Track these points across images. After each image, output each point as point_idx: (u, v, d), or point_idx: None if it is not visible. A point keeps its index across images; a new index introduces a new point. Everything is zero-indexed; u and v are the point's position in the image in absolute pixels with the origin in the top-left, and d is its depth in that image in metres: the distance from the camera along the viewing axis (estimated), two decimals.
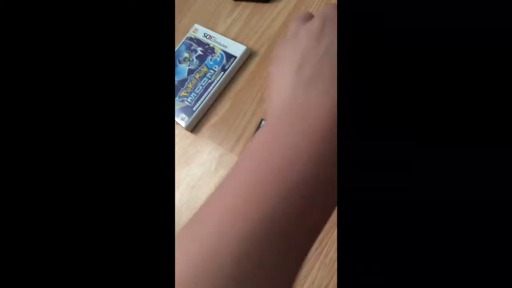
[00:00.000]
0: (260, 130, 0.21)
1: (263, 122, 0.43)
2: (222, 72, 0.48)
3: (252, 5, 0.52)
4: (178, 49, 0.54)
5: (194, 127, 0.48)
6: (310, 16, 0.29)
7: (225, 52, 0.49)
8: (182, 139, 0.48)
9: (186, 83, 0.50)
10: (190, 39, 0.53)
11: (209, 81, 0.48)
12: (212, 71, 0.49)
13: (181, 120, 0.48)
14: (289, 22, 0.48)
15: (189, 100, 0.49)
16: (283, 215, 0.17)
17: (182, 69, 0.52)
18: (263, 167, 0.18)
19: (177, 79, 0.51)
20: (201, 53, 0.51)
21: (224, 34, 0.51)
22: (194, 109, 0.48)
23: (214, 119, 0.47)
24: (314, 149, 0.19)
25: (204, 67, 0.50)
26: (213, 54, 0.50)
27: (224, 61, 0.48)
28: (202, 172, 0.45)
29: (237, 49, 0.48)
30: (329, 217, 0.19)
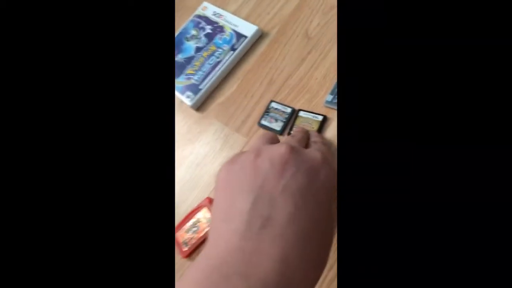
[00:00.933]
0: (201, 263, 0.20)
1: (272, 103, 0.42)
2: (232, 52, 0.47)
3: None
4: (185, 27, 0.53)
5: (200, 106, 0.47)
6: (275, 139, 0.28)
7: (235, 31, 0.48)
8: (187, 117, 0.47)
9: (193, 60, 0.49)
10: (199, 16, 0.52)
11: (217, 60, 0.47)
12: (220, 50, 0.48)
13: (186, 98, 0.47)
14: (301, 7, 0.47)
15: (195, 78, 0.47)
16: None
17: (188, 47, 0.50)
18: None
19: (183, 56, 0.50)
20: (210, 31, 0.50)
21: (234, 14, 0.50)
22: (200, 87, 0.47)
23: (220, 98, 0.46)
24: None
25: (213, 46, 0.49)
26: (223, 33, 0.49)
27: (234, 40, 0.47)
28: (207, 151, 0.44)
29: (248, 29, 0.47)
30: None
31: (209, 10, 0.52)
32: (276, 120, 0.40)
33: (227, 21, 0.49)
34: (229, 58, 0.47)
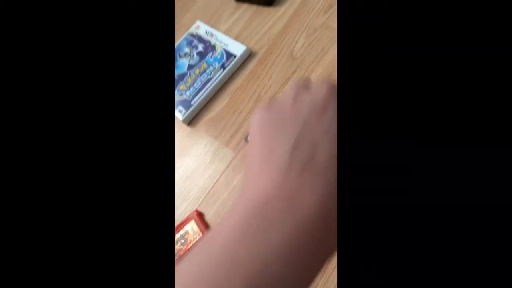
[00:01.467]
0: (243, 204, 0.19)
1: None
2: (222, 70, 0.49)
3: (254, 7, 0.54)
4: (179, 44, 0.55)
5: (191, 121, 0.50)
6: (309, 83, 0.26)
7: (225, 50, 0.51)
8: (179, 131, 0.50)
9: (186, 77, 0.51)
10: (192, 35, 0.55)
11: (208, 77, 0.50)
12: (211, 67, 0.50)
13: (178, 113, 0.49)
14: (288, 28, 0.50)
15: (187, 94, 0.50)
16: None
17: (182, 64, 0.53)
18: (234, 268, 0.17)
19: (176, 73, 0.53)
20: (201, 49, 0.53)
21: (225, 33, 0.53)
22: (192, 103, 0.49)
23: (211, 114, 0.49)
24: (296, 246, 0.17)
25: (204, 63, 0.51)
26: (214, 52, 0.51)
27: (224, 59, 0.50)
28: (197, 164, 0.46)
29: (238, 49, 0.50)
30: None
31: (202, 29, 0.55)
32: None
33: (218, 40, 0.52)
34: (219, 76, 0.49)
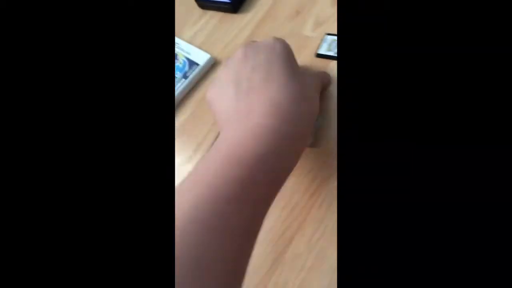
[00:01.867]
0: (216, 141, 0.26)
1: None
2: (184, 79, 0.46)
3: (219, 14, 0.51)
4: None
5: None
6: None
7: (188, 59, 0.47)
8: None
9: None
10: None
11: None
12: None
13: None
14: (255, 35, 0.47)
15: None
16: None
17: None
18: (215, 156, 0.23)
19: None
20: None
21: (189, 42, 0.50)
22: None
23: None
24: (258, 136, 0.23)
25: None
26: (176, 60, 0.48)
27: (187, 68, 0.47)
28: None
29: (201, 57, 0.47)
30: (277, 190, 0.25)
31: None
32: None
33: (180, 49, 0.49)
34: (181, 85, 0.45)
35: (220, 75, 0.30)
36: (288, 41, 0.45)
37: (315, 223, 0.33)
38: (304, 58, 0.43)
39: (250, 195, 0.21)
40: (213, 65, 0.47)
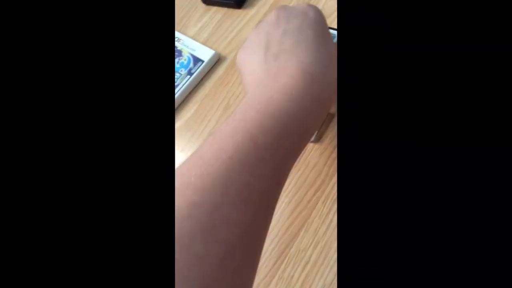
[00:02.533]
0: (246, 89, 0.27)
1: None
2: (188, 76, 0.46)
3: (223, 10, 0.51)
4: None
5: None
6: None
7: (192, 55, 0.47)
8: None
9: None
10: None
11: (175, 84, 0.46)
12: (178, 74, 0.47)
13: None
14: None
15: None
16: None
17: None
18: (248, 109, 0.24)
19: None
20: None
21: (193, 38, 0.50)
22: None
23: (177, 123, 0.45)
24: (289, 94, 0.24)
25: None
26: (180, 57, 0.48)
27: (191, 64, 0.47)
28: None
29: (205, 53, 0.47)
30: (304, 145, 0.25)
31: None
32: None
33: (185, 45, 0.49)
34: (186, 82, 0.46)
35: (251, 37, 0.30)
36: None
37: (320, 218, 0.33)
38: None
39: (283, 144, 0.23)
40: (217, 61, 0.47)
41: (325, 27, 0.29)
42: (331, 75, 0.26)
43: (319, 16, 0.29)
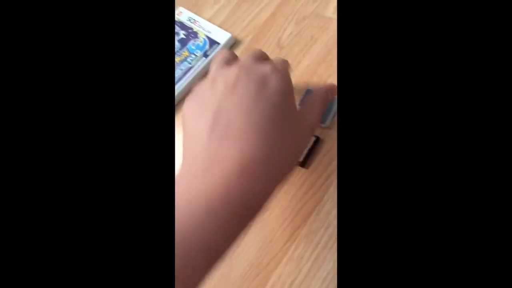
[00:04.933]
0: (181, 166, 0.24)
1: None
2: (204, 58, 0.46)
3: None
4: None
5: None
6: (233, 58, 0.31)
7: (208, 37, 0.47)
8: None
9: None
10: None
11: (190, 65, 0.46)
12: (193, 55, 0.47)
13: None
14: (276, 15, 0.47)
15: None
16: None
17: None
18: (182, 193, 0.22)
19: None
20: (183, 36, 0.49)
21: (210, 20, 0.50)
22: None
23: None
24: (222, 193, 0.22)
25: (186, 51, 0.48)
26: (196, 39, 0.48)
27: (207, 46, 0.47)
28: None
29: (222, 36, 0.47)
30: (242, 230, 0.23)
31: (184, 15, 0.51)
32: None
33: (201, 27, 0.49)
34: (201, 64, 0.46)
35: (204, 87, 0.27)
36: (310, 23, 0.45)
37: (332, 202, 0.34)
38: (324, 40, 0.43)
39: (211, 237, 0.21)
40: (233, 44, 0.47)
41: (286, 101, 0.25)
42: (282, 163, 0.24)
43: (282, 87, 0.25)
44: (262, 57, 0.30)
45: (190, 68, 0.46)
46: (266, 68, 0.26)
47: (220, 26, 0.48)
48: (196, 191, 0.22)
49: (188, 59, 0.47)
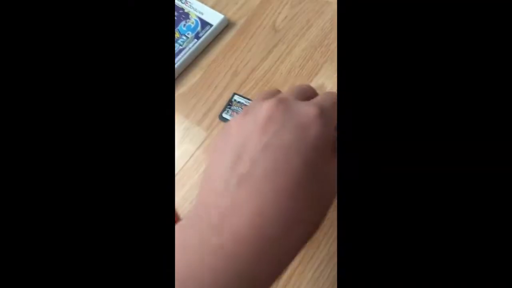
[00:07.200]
0: (188, 214, 0.21)
1: (235, 96, 0.40)
2: (195, 40, 0.44)
3: None
4: None
5: None
6: (275, 93, 0.26)
7: (200, 19, 0.46)
8: None
9: None
10: None
11: (180, 47, 0.45)
12: (184, 37, 0.45)
13: None
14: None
15: None
16: None
17: None
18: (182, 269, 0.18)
19: None
20: (174, 17, 0.47)
21: (201, 1, 0.48)
22: None
23: (182, 89, 0.44)
24: (229, 254, 0.18)
25: (176, 33, 0.46)
26: (187, 20, 0.46)
27: (199, 28, 0.45)
28: None
29: (214, 17, 0.45)
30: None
31: None
32: (238, 114, 0.39)
33: (193, 8, 0.47)
34: (192, 46, 0.44)
35: (233, 122, 0.23)
36: (307, 5, 0.44)
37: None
38: (320, 24, 0.42)
39: None
40: (226, 26, 0.46)
41: (323, 158, 0.21)
42: (300, 230, 0.20)
43: (323, 139, 0.21)
44: (309, 94, 0.25)
45: (181, 50, 0.44)
46: (310, 110, 0.21)
47: (212, 7, 0.47)
48: (201, 255, 0.19)
49: (179, 41, 0.45)
